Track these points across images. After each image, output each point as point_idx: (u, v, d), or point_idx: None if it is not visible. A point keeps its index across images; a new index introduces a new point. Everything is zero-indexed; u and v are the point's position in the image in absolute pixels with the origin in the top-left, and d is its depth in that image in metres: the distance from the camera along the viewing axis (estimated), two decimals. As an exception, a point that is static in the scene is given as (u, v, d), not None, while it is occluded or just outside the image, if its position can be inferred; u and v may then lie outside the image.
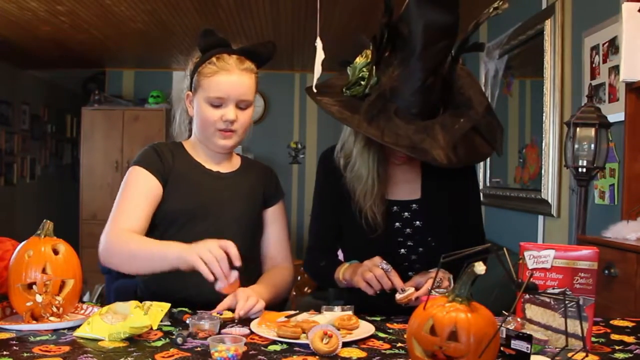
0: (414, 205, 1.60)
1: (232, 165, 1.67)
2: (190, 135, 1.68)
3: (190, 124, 1.67)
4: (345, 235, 1.65)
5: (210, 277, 1.28)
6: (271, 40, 1.66)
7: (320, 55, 1.45)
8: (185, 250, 1.33)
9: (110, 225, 1.48)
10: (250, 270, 1.59)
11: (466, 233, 1.62)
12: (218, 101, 1.52)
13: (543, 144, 3.04)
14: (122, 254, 1.44)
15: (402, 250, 1.59)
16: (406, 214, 1.59)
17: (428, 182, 1.62)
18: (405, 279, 1.58)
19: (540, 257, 1.14)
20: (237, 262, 1.30)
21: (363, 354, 1.08)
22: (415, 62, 1.34)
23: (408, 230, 1.59)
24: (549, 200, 2.98)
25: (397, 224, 1.59)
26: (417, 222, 1.59)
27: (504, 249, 1.04)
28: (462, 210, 1.63)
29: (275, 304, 1.57)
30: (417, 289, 1.42)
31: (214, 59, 1.53)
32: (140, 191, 1.52)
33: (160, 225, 1.54)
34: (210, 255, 1.29)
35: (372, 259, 1.45)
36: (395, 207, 1.60)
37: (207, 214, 1.55)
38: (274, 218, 1.68)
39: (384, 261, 1.43)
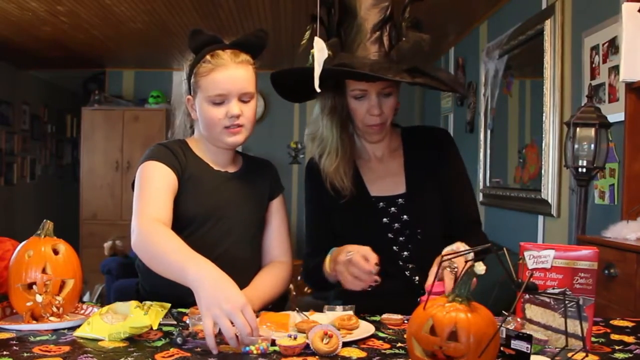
0: (399, 199, 1.61)
1: (236, 164, 1.65)
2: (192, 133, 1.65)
3: (192, 128, 1.65)
4: (339, 237, 1.64)
5: (213, 347, 1.08)
6: (262, 28, 1.62)
7: (319, 55, 1.45)
8: (211, 295, 1.12)
9: (138, 216, 1.36)
10: (254, 272, 1.58)
11: (459, 218, 1.62)
12: (220, 99, 1.49)
13: (543, 144, 3.04)
14: (147, 251, 1.32)
15: (395, 247, 1.59)
16: (393, 209, 1.60)
17: (411, 175, 1.63)
18: (402, 280, 1.58)
19: (540, 257, 1.14)
20: (254, 336, 1.11)
21: (363, 354, 1.08)
22: (358, 23, 1.50)
23: (396, 225, 1.60)
24: (549, 200, 2.98)
25: (384, 219, 1.60)
26: (405, 217, 1.60)
27: (504, 249, 1.04)
28: (450, 197, 1.62)
29: (273, 303, 1.57)
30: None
31: (207, 56, 1.50)
32: (159, 184, 1.45)
33: (173, 228, 1.46)
34: (229, 326, 1.09)
35: (338, 258, 1.43)
36: (381, 203, 1.61)
37: (218, 217, 1.53)
38: (273, 212, 1.67)
39: (350, 251, 1.40)
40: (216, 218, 1.53)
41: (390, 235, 1.60)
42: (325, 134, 1.61)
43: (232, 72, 1.48)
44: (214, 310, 1.09)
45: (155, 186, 1.44)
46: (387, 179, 1.64)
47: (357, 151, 1.68)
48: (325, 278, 1.55)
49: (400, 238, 1.60)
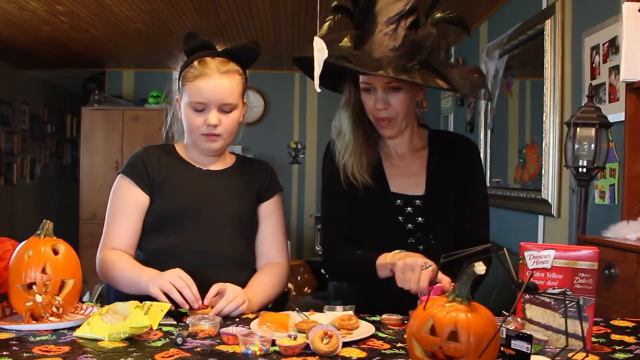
0: (417, 201, 1.59)
1: (225, 163, 1.65)
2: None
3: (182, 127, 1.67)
4: (357, 230, 1.63)
5: (182, 303, 1.34)
6: (256, 40, 1.64)
7: (319, 55, 1.45)
8: (156, 277, 1.40)
9: (103, 244, 1.56)
10: (245, 273, 1.58)
11: (469, 236, 1.59)
12: (200, 106, 1.52)
13: (543, 144, 3.04)
14: (109, 279, 1.54)
15: (403, 248, 1.58)
16: (409, 209, 1.59)
17: (432, 177, 1.61)
18: None
19: (540, 257, 1.14)
20: (195, 304, 1.35)
21: (363, 354, 1.08)
22: (373, 15, 1.47)
23: (410, 225, 1.59)
24: (549, 200, 2.98)
25: (399, 217, 1.59)
26: (420, 219, 1.59)
27: (504, 249, 1.04)
28: (465, 211, 1.61)
29: (273, 303, 1.57)
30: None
31: (195, 62, 1.53)
32: (126, 206, 1.57)
33: (153, 228, 1.55)
34: (181, 282, 1.36)
35: (417, 259, 1.37)
36: (398, 201, 1.60)
37: (198, 214, 1.54)
38: (268, 213, 1.65)
39: (428, 262, 1.36)
40: (192, 214, 1.54)
41: (402, 234, 1.59)
42: (342, 128, 1.62)
43: (215, 82, 1.51)
44: (168, 277, 1.37)
45: (122, 207, 1.57)
46: (407, 178, 1.62)
47: (382, 145, 1.67)
48: (369, 268, 1.50)
49: (411, 239, 1.58)
